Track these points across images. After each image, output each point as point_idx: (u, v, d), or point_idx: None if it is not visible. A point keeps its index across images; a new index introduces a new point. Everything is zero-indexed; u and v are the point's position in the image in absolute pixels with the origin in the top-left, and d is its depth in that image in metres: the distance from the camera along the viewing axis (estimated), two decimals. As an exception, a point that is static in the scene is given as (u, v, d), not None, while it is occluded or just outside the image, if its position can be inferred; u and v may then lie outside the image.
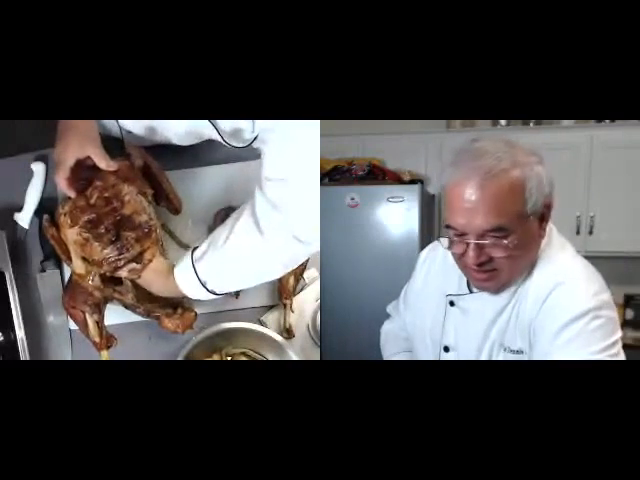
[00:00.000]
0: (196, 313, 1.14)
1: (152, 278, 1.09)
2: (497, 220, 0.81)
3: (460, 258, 0.88)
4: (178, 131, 1.18)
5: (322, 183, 2.64)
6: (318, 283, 1.28)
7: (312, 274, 1.28)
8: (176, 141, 1.22)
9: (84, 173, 1.08)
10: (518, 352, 0.88)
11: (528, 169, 0.82)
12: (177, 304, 1.13)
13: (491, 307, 0.91)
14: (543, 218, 0.86)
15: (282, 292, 1.21)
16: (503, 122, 2.95)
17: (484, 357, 0.91)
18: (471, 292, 0.95)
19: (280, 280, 1.20)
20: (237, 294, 1.19)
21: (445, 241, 0.88)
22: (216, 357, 1.15)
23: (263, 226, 1.00)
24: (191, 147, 1.27)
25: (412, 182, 2.65)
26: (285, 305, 1.21)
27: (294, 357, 1.13)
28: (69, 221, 1.06)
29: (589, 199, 2.71)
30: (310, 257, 1.20)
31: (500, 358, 0.90)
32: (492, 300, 0.91)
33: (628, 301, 2.81)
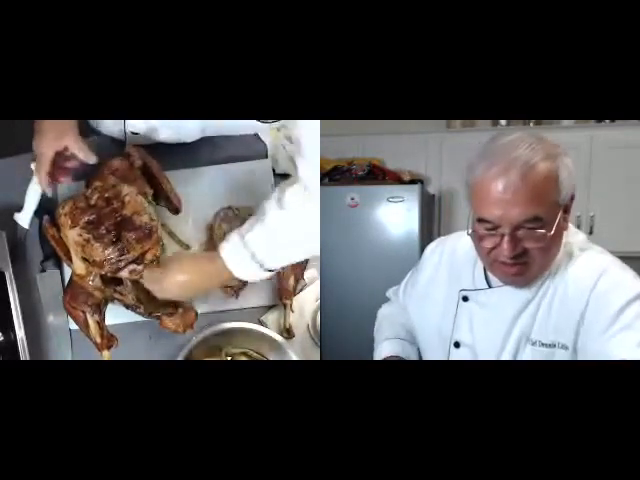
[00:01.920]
0: (197, 313, 1.13)
1: (192, 273, 1.06)
2: (535, 210, 0.82)
3: (489, 252, 0.87)
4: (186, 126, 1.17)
5: (322, 183, 2.64)
6: (318, 283, 1.28)
7: (312, 274, 1.28)
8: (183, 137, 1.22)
9: (67, 164, 1.07)
10: (551, 346, 0.88)
11: (559, 160, 0.84)
12: (178, 304, 1.13)
13: (513, 301, 0.91)
14: (566, 210, 0.87)
15: (282, 292, 1.21)
16: (503, 122, 2.95)
17: (508, 352, 0.91)
18: (490, 287, 0.95)
19: (280, 280, 1.20)
20: (237, 294, 1.19)
21: (473, 235, 0.88)
22: (216, 357, 1.15)
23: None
24: (191, 147, 1.27)
25: (412, 182, 2.65)
26: (285, 305, 1.21)
27: (294, 357, 1.13)
28: (69, 222, 1.06)
29: (589, 199, 2.70)
30: (310, 258, 1.20)
31: (527, 352, 0.90)
32: (514, 294, 0.91)
33: (629, 301, 2.80)
